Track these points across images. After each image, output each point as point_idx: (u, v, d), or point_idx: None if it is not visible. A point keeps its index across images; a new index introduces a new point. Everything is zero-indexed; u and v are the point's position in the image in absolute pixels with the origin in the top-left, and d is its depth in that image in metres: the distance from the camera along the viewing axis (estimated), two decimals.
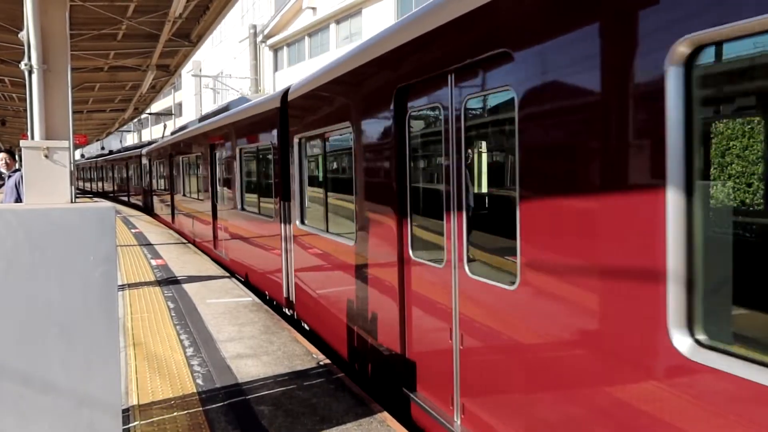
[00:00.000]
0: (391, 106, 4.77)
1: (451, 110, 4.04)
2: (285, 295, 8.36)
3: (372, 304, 5.39)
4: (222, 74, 42.91)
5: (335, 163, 6.55)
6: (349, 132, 5.83)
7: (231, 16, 42.11)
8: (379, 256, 5.17)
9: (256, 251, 9.83)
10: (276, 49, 41.49)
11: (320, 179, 6.99)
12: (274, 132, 8.43)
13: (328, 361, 5.96)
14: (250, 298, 8.92)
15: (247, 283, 10.44)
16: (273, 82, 40.67)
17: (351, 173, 5.78)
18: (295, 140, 7.60)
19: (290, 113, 7.80)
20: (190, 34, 12.74)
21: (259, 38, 38.05)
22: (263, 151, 9.30)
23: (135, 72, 15.61)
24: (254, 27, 33.45)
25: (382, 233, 5.08)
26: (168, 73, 16.07)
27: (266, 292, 9.35)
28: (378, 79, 5.06)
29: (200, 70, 49.98)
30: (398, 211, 4.80)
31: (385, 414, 4.70)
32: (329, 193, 6.70)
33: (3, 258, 3.19)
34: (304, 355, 6.15)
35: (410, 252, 4.73)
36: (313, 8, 37.00)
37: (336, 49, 32.69)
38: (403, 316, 4.86)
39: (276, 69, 41.54)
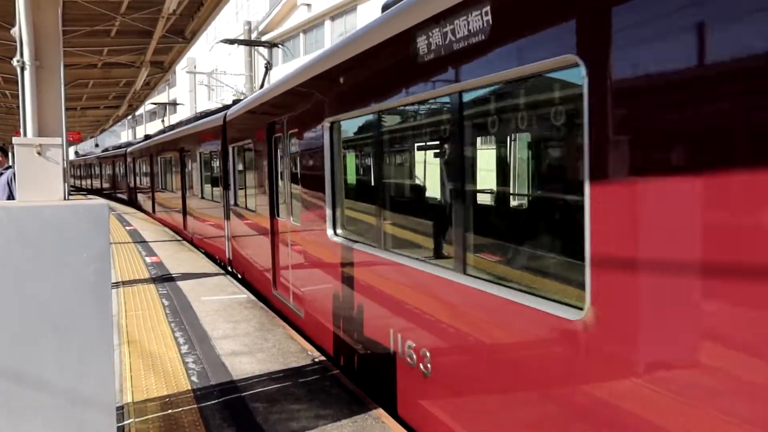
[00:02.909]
0: (266, 132, 8.50)
1: (284, 137, 7.62)
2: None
3: (260, 242, 9.14)
4: (216, 71, 42.75)
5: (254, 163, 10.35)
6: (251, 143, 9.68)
7: (225, 13, 41.90)
8: (263, 219, 8.88)
9: None
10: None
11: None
12: None
13: (323, 358, 5.96)
14: (245, 295, 8.91)
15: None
16: (268, 79, 40.44)
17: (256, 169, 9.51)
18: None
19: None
20: (184, 31, 12.70)
21: (254, 35, 37.90)
22: None
23: (129, 69, 15.55)
24: (249, 24, 33.30)
25: (266, 205, 8.73)
26: (162, 69, 16.02)
27: None
28: (262, 117, 8.75)
29: (195, 67, 49.82)
30: (270, 192, 8.46)
31: (380, 411, 4.71)
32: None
33: None
34: (299, 353, 6.15)
35: (276, 214, 8.39)
36: (308, 5, 36.93)
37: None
38: (274, 248, 8.39)
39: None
